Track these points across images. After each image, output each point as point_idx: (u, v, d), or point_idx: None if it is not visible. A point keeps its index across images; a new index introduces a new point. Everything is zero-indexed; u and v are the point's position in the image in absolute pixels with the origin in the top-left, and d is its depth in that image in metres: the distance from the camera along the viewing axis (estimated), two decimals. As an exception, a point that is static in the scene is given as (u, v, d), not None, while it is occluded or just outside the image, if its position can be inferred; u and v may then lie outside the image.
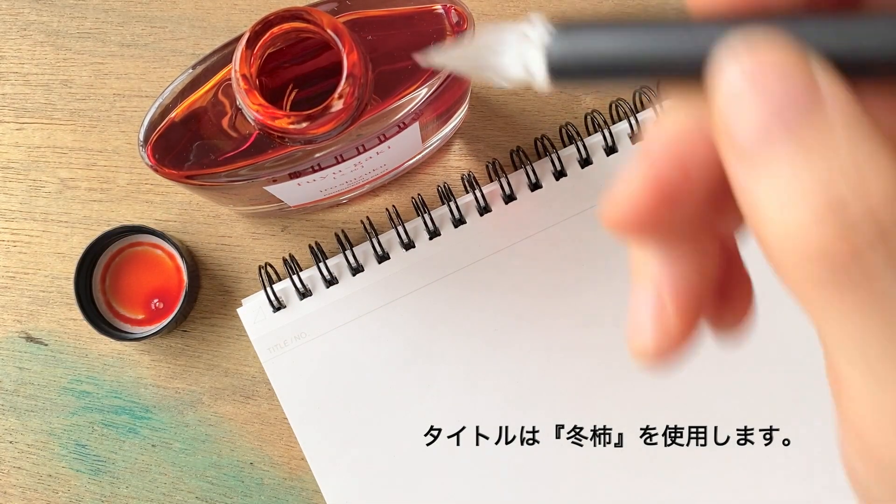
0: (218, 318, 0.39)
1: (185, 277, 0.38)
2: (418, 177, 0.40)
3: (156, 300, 0.38)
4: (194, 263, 0.39)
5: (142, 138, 0.30)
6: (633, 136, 0.38)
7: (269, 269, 0.38)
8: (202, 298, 0.39)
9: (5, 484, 0.38)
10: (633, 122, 0.37)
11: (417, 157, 0.38)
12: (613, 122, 0.39)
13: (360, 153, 0.32)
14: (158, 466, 0.38)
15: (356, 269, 0.37)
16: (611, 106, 0.39)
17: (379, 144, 0.32)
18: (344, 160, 0.32)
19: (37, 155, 0.40)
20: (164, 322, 0.37)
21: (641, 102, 0.39)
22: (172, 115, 0.30)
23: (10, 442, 0.39)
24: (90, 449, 0.38)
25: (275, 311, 0.37)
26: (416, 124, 0.32)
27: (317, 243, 0.38)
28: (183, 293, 0.37)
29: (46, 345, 0.39)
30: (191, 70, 0.30)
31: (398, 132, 0.32)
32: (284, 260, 0.37)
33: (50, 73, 0.40)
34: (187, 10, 0.40)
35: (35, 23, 0.41)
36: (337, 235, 0.37)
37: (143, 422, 0.38)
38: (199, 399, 0.38)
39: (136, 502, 0.38)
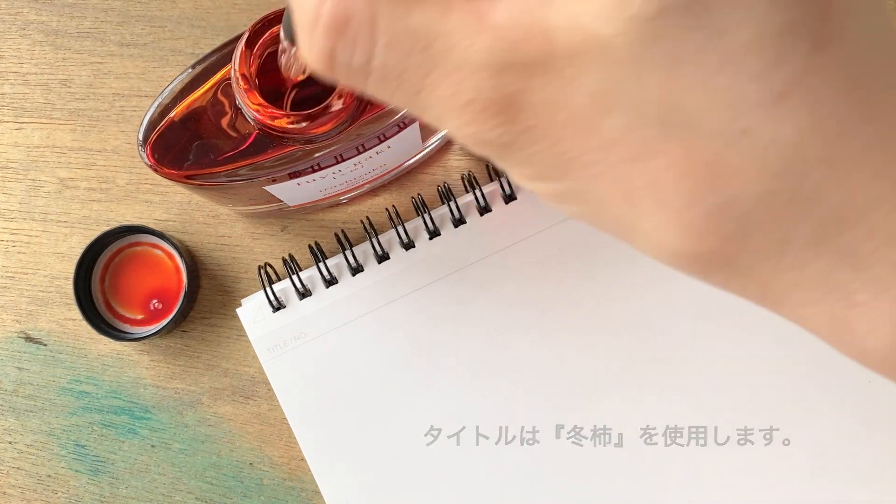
0: (217, 318, 0.39)
1: (184, 277, 0.38)
2: (418, 177, 0.39)
3: (155, 300, 0.38)
4: (194, 263, 0.39)
5: (141, 138, 0.30)
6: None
7: (268, 269, 0.38)
8: (202, 298, 0.39)
9: (4, 484, 0.38)
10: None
11: (417, 157, 0.38)
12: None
13: (359, 153, 0.32)
14: (158, 467, 0.38)
15: (356, 269, 0.37)
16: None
17: (379, 144, 0.32)
18: (344, 160, 0.32)
19: (36, 155, 0.40)
20: (164, 322, 0.37)
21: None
22: (172, 114, 0.30)
23: (10, 442, 0.38)
24: (89, 449, 0.38)
25: (274, 311, 0.37)
26: (416, 124, 0.32)
27: (316, 243, 0.38)
28: (182, 293, 0.37)
29: (45, 345, 0.39)
30: (190, 70, 0.30)
31: (398, 132, 0.32)
32: (284, 260, 0.37)
33: (49, 73, 0.40)
34: (187, 10, 0.40)
35: (34, 22, 0.41)
36: (337, 235, 0.37)
37: (142, 422, 0.38)
38: (198, 399, 0.38)
39: (135, 502, 0.38)
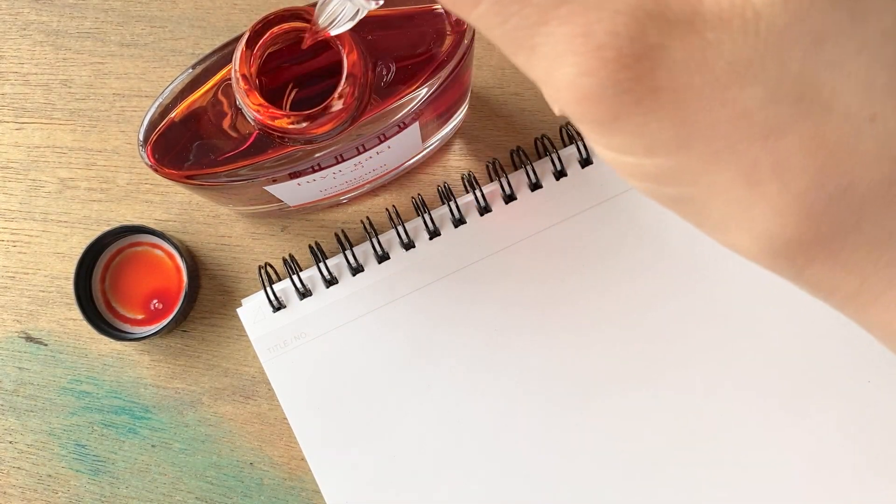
0: (218, 318, 0.39)
1: (184, 277, 0.38)
2: (418, 177, 0.39)
3: (155, 300, 0.38)
4: (194, 263, 0.39)
5: (141, 138, 0.30)
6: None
7: (268, 269, 0.38)
8: (202, 298, 0.39)
9: (5, 484, 0.38)
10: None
11: (417, 157, 0.38)
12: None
13: (359, 153, 0.32)
14: (158, 467, 0.38)
15: (356, 269, 0.37)
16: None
17: (379, 144, 0.32)
18: (344, 160, 0.32)
19: (36, 155, 0.40)
20: (164, 322, 0.37)
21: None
22: (172, 114, 0.30)
23: (10, 442, 0.39)
24: (90, 449, 0.38)
25: (275, 311, 0.37)
26: (416, 124, 0.32)
27: (317, 243, 0.38)
28: (182, 293, 0.37)
29: (46, 345, 0.39)
30: (190, 70, 0.30)
31: (398, 132, 0.32)
32: (284, 260, 0.37)
33: (49, 73, 0.40)
34: (187, 10, 0.40)
35: (35, 22, 0.41)
36: (337, 235, 0.37)
37: (142, 422, 0.38)
38: (198, 399, 0.38)
39: (135, 502, 0.38)
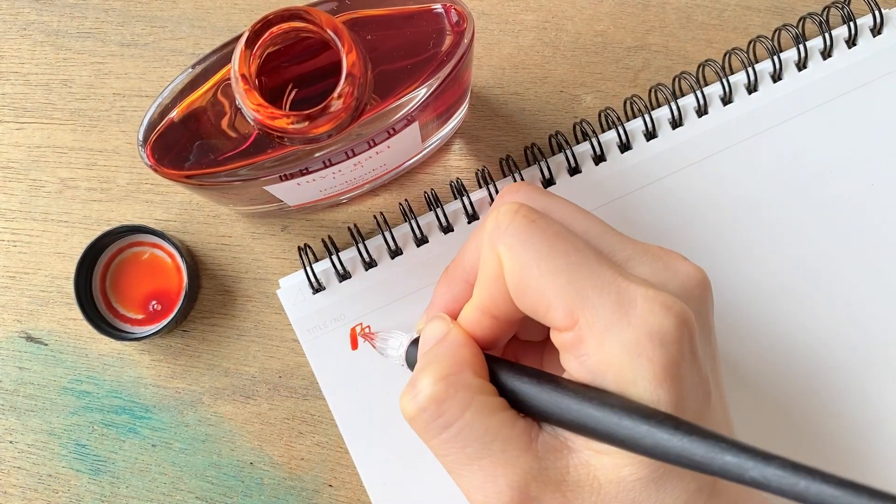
0: (218, 318, 0.39)
1: (184, 277, 0.38)
2: (418, 176, 0.39)
3: (155, 300, 0.38)
4: (194, 263, 0.39)
5: (141, 138, 0.30)
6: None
7: (308, 250, 0.37)
8: (202, 298, 0.39)
9: (5, 484, 0.38)
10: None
11: (417, 157, 0.38)
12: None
13: (359, 153, 0.32)
14: (158, 466, 0.38)
15: (395, 252, 0.37)
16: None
17: (378, 144, 0.32)
18: (343, 160, 0.32)
19: (37, 155, 0.40)
20: (165, 322, 0.37)
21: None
22: (172, 114, 0.30)
23: (10, 442, 0.39)
24: (90, 449, 0.38)
25: (314, 293, 0.37)
26: (416, 124, 0.32)
27: (350, 227, 0.37)
28: (183, 293, 0.37)
29: (46, 344, 0.39)
30: (190, 70, 0.30)
31: (398, 132, 0.32)
32: (323, 241, 0.37)
33: (50, 73, 0.40)
34: (187, 10, 0.40)
35: (35, 22, 0.41)
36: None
37: (143, 422, 0.38)
38: (199, 399, 0.38)
39: (136, 502, 0.38)
